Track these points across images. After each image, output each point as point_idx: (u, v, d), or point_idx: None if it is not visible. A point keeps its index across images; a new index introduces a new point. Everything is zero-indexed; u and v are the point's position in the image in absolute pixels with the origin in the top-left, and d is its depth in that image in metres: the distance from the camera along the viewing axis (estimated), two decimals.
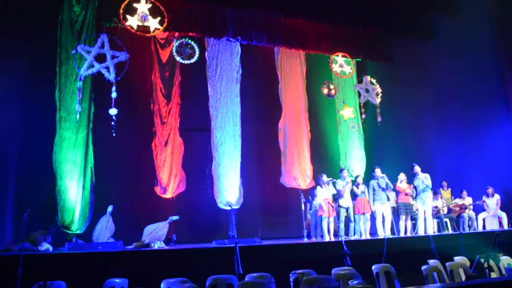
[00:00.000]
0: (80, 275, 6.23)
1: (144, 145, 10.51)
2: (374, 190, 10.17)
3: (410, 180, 10.39)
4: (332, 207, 9.68)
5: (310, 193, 10.92)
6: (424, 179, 10.03)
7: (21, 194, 9.37)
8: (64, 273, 5.85)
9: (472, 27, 11.61)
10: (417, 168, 10.17)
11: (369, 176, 10.94)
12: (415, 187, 10.20)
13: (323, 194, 9.88)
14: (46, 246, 7.78)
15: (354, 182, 10.44)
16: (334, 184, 10.09)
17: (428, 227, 9.98)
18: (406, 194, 10.20)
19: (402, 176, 10.31)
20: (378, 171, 10.24)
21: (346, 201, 10.12)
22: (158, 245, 8.71)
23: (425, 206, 10.06)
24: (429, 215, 10.06)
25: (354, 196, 10.32)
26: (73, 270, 6.40)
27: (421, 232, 10.05)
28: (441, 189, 11.45)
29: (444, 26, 12.16)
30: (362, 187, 10.20)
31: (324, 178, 9.97)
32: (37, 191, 9.21)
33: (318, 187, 10.03)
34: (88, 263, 6.74)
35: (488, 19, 11.94)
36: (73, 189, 9.16)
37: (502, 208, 11.00)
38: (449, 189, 11.77)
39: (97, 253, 7.30)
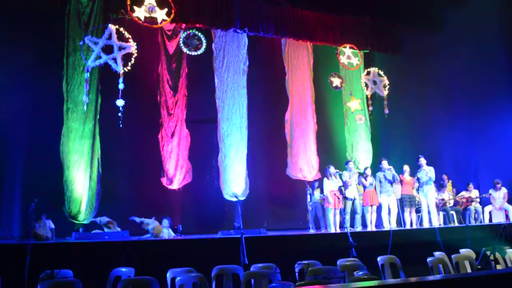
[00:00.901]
0: (87, 264, 6.29)
1: (151, 136, 10.56)
2: (380, 182, 10.16)
3: (414, 172, 10.35)
4: (339, 199, 9.68)
5: (311, 185, 10.91)
6: (428, 171, 9.99)
7: (28, 184, 9.48)
8: (71, 262, 5.92)
9: (480, 18, 11.46)
10: (423, 160, 10.12)
11: (375, 168, 10.92)
12: (418, 179, 10.16)
13: (330, 186, 9.88)
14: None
15: (362, 174, 10.43)
16: (340, 176, 10.08)
17: (432, 219, 9.96)
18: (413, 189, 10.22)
19: (406, 168, 10.28)
20: (385, 163, 10.22)
21: (352, 192, 10.10)
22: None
23: (428, 199, 10.04)
24: (433, 207, 10.04)
25: (362, 188, 10.32)
26: (80, 259, 6.46)
27: (425, 224, 10.03)
28: (441, 182, 11.37)
29: (453, 17, 12.01)
30: (370, 179, 10.19)
31: (332, 169, 9.96)
32: (44, 182, 9.30)
33: (325, 178, 10.03)
34: (94, 252, 6.81)
35: (496, 10, 11.77)
36: (80, 180, 9.23)
37: (509, 201, 10.93)
38: (450, 181, 11.70)
39: (103, 243, 7.37)
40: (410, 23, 12.46)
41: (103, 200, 9.50)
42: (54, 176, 9.24)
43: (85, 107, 9.23)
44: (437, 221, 10.10)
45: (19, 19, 9.62)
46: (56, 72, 9.45)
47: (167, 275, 5.62)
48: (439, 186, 11.13)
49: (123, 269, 5.79)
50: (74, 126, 9.37)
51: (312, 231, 10.25)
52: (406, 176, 10.26)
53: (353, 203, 10.16)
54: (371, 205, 10.05)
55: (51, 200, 9.06)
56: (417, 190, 10.30)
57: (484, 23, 11.70)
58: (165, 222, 9.21)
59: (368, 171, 10.36)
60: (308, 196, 10.63)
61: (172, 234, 9.15)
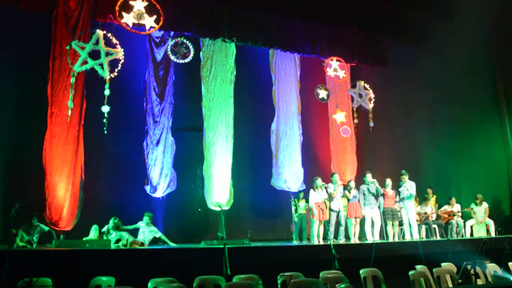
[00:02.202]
0: (67, 272, 6.19)
1: (136, 143, 10.47)
2: (364, 194, 10.23)
3: (396, 185, 10.45)
4: (323, 211, 9.71)
5: (296, 196, 10.90)
6: (409, 187, 10.09)
7: (9, 189, 9.31)
8: (50, 269, 5.81)
9: (466, 33, 11.68)
10: (405, 177, 10.26)
11: (359, 180, 10.98)
12: (398, 193, 10.26)
13: (315, 198, 9.90)
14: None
15: (346, 187, 10.47)
16: (326, 189, 10.12)
17: (413, 233, 10.04)
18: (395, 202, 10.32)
19: (388, 182, 10.38)
20: (369, 176, 10.30)
21: (337, 204, 10.14)
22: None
23: (408, 213, 10.15)
24: (413, 221, 10.15)
25: (346, 200, 10.37)
26: (60, 267, 6.35)
27: (407, 237, 10.11)
28: (426, 195, 11.50)
29: (438, 31, 12.24)
30: (354, 192, 10.26)
31: (319, 182, 10.00)
32: (26, 187, 9.15)
33: (311, 190, 10.05)
34: (75, 261, 6.70)
35: (482, 26, 12.02)
36: (62, 186, 9.08)
37: (490, 216, 11.09)
38: (435, 196, 11.83)
39: (84, 251, 7.26)
40: (396, 36, 12.65)
41: (85, 207, 9.36)
42: (35, 181, 9.08)
43: (69, 112, 9.11)
44: (417, 234, 10.18)
45: (6, 21, 9.51)
46: (41, 76, 9.32)
47: (148, 285, 5.56)
48: (422, 199, 11.25)
49: (104, 278, 5.71)
50: (58, 131, 9.22)
51: (295, 242, 10.24)
52: (389, 190, 10.35)
53: (337, 215, 10.19)
54: (355, 218, 10.10)
55: (32, 206, 8.89)
56: (398, 203, 10.37)
57: (469, 37, 11.92)
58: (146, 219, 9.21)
59: (352, 184, 10.42)
60: (293, 207, 10.62)
61: (159, 233, 9.12)
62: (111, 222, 8.97)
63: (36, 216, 8.60)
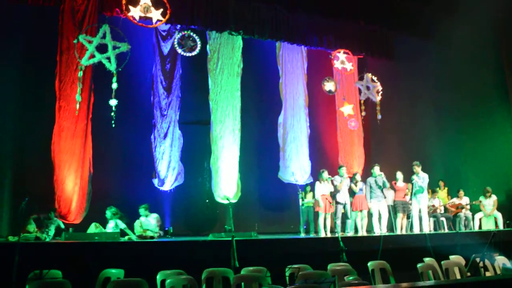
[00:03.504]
0: (77, 264, 6.24)
1: (143, 137, 10.50)
2: (371, 187, 10.19)
3: (406, 178, 10.39)
4: (330, 203, 9.70)
5: (303, 189, 10.89)
6: (422, 179, 10.03)
7: (19, 183, 9.38)
8: (60, 262, 5.86)
9: (472, 25, 11.55)
10: (418, 168, 10.15)
11: (367, 173, 10.95)
12: (413, 185, 10.19)
13: (322, 190, 9.90)
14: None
15: (352, 180, 10.45)
16: (333, 181, 10.11)
17: (424, 225, 10.00)
18: (405, 195, 10.27)
19: (399, 175, 10.33)
20: (376, 169, 10.26)
21: (343, 197, 10.12)
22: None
23: (421, 205, 10.09)
24: (425, 214, 10.10)
25: (352, 193, 10.34)
26: (70, 259, 6.41)
27: (416, 230, 10.08)
28: (438, 188, 11.45)
29: (445, 24, 12.12)
30: (360, 184, 10.24)
31: (325, 174, 9.99)
32: (34, 181, 9.22)
33: (317, 182, 10.04)
34: (84, 253, 6.75)
35: (489, 18, 11.89)
36: (71, 180, 9.14)
37: (498, 209, 11.03)
38: (446, 188, 11.78)
39: (93, 243, 7.31)
40: (403, 29, 12.55)
41: (94, 201, 9.41)
42: (44, 175, 9.14)
43: (77, 105, 9.15)
44: (428, 227, 10.15)
45: (13, 15, 9.55)
46: (49, 70, 9.36)
47: (157, 277, 5.59)
48: (432, 192, 11.20)
49: (113, 271, 5.75)
50: (66, 125, 9.27)
51: (303, 235, 10.25)
52: (399, 183, 10.30)
53: (344, 208, 10.18)
54: (361, 210, 10.08)
55: (41, 200, 8.95)
56: (411, 195, 10.30)
57: (476, 30, 11.80)
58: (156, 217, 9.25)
59: (358, 177, 10.39)
60: (300, 200, 10.62)
61: (159, 232, 9.15)
62: (108, 212, 8.97)
63: (54, 211, 8.69)
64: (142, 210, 9.28)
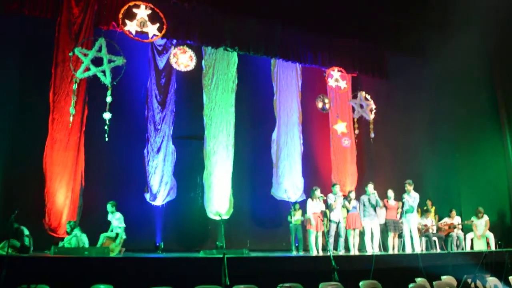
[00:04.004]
0: (65, 279, 6.14)
1: (136, 151, 10.47)
2: (364, 205, 10.17)
3: (398, 197, 10.39)
4: (322, 221, 9.65)
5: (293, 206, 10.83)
6: (413, 199, 10.02)
7: (9, 194, 9.27)
8: (48, 277, 5.76)
9: (465, 43, 11.70)
10: (410, 187, 10.14)
11: (359, 191, 10.94)
12: (403, 204, 10.17)
13: (313, 208, 9.85)
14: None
15: (346, 198, 10.42)
16: (327, 200, 10.05)
17: (415, 245, 9.97)
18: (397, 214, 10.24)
19: (390, 193, 10.32)
20: (370, 187, 10.23)
21: (337, 215, 10.08)
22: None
23: (411, 225, 10.06)
24: (415, 233, 10.05)
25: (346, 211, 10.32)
26: (58, 274, 6.30)
27: (408, 249, 10.04)
28: (425, 207, 11.44)
29: (438, 42, 12.28)
30: (354, 202, 10.20)
31: (317, 192, 9.93)
32: (25, 192, 9.12)
33: (309, 200, 10.01)
34: (73, 268, 6.64)
35: (481, 35, 12.05)
36: (62, 193, 9.07)
37: (490, 229, 11.04)
38: (434, 207, 11.77)
39: (82, 258, 7.21)
40: (397, 49, 12.70)
41: (85, 214, 9.32)
42: (35, 187, 9.06)
43: (71, 118, 9.12)
44: (419, 246, 10.12)
45: (9, 27, 9.55)
46: (43, 82, 9.35)
47: None
48: (423, 211, 11.20)
49: (102, 286, 5.66)
50: (59, 137, 9.24)
51: (294, 253, 10.19)
52: (391, 202, 10.29)
53: (337, 226, 10.13)
54: (354, 229, 10.04)
55: (31, 212, 8.86)
56: (401, 215, 10.29)
57: (469, 52, 11.94)
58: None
59: (352, 195, 10.37)
60: (289, 217, 10.57)
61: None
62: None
63: (15, 217, 7.60)
64: (109, 206, 8.99)
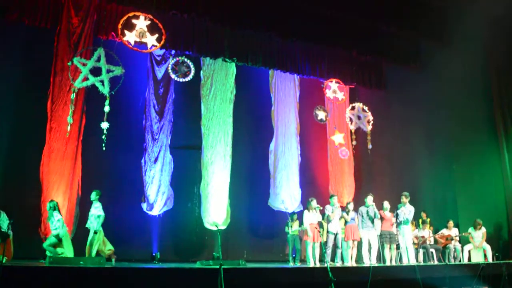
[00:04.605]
0: None
1: (134, 160, 10.46)
2: (362, 217, 10.14)
3: (393, 208, 10.36)
4: (319, 232, 9.61)
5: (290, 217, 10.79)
6: (408, 212, 9.97)
7: (5, 203, 9.21)
8: (43, 286, 5.72)
9: (464, 55, 11.76)
10: (406, 199, 10.10)
11: (356, 202, 10.92)
12: (396, 216, 10.09)
13: (310, 219, 9.80)
14: None
15: (345, 209, 10.38)
16: (324, 211, 10.02)
17: (410, 257, 9.91)
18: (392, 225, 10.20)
19: (386, 204, 10.29)
20: (370, 199, 10.18)
21: (335, 226, 10.03)
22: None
23: (405, 237, 10.02)
24: (410, 245, 9.99)
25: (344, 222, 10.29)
26: (53, 284, 6.26)
27: (405, 261, 10.00)
28: (420, 219, 11.41)
29: (436, 54, 12.35)
30: (352, 214, 10.15)
31: (314, 203, 9.87)
32: (22, 201, 9.09)
33: (306, 211, 9.97)
34: (68, 278, 6.60)
35: (479, 47, 12.12)
36: (59, 201, 8.98)
37: (487, 241, 11.01)
38: (429, 219, 11.74)
39: (78, 268, 7.16)
40: (395, 61, 12.75)
41: (81, 223, 9.27)
42: (32, 196, 9.04)
43: (68, 127, 9.13)
44: (414, 258, 10.07)
45: (8, 36, 9.59)
46: (41, 91, 9.37)
47: None
48: (419, 223, 11.17)
49: None
50: (56, 146, 9.23)
51: (291, 264, 10.14)
52: (387, 213, 10.26)
53: (335, 238, 10.08)
54: (353, 240, 10.00)
55: (27, 220, 8.82)
56: (396, 227, 10.24)
57: (467, 63, 12.00)
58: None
59: (350, 206, 10.33)
60: (286, 228, 10.54)
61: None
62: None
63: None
64: (94, 194, 8.60)
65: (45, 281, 6.34)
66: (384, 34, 12.37)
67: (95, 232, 8.35)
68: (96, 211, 8.53)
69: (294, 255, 10.39)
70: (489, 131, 12.44)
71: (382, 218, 10.20)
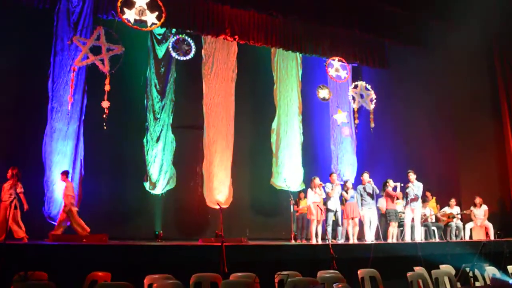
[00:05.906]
0: (63, 267, 6.16)
1: (136, 140, 10.47)
2: (361, 195, 10.15)
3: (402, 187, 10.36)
4: (321, 210, 9.64)
5: (296, 195, 10.85)
6: (416, 188, 9.99)
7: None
8: (47, 264, 5.78)
9: (466, 33, 11.60)
10: (412, 176, 10.10)
11: (359, 181, 10.93)
12: (406, 194, 10.13)
13: (313, 198, 9.83)
14: None
15: (343, 187, 10.39)
16: (324, 188, 10.06)
17: (416, 234, 9.96)
18: (397, 198, 10.20)
19: (390, 182, 10.29)
20: (365, 176, 10.20)
21: (334, 204, 10.05)
22: None
23: (414, 214, 10.04)
24: (418, 223, 10.05)
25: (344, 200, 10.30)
26: (56, 261, 6.32)
27: (407, 239, 10.05)
28: (426, 198, 11.42)
29: (439, 32, 12.19)
30: (351, 192, 10.15)
31: (316, 181, 9.88)
32: (24, 181, 9.12)
33: (309, 189, 9.99)
34: (71, 255, 6.67)
35: (483, 26, 11.95)
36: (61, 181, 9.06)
37: (489, 219, 11.03)
38: (434, 197, 11.74)
39: (80, 246, 7.23)
40: (398, 39, 12.58)
41: (84, 202, 9.34)
42: (35, 176, 9.07)
43: (70, 107, 9.11)
44: (420, 236, 10.12)
45: (7, 16, 9.50)
46: (42, 71, 9.33)
47: (145, 281, 5.52)
48: (422, 201, 11.18)
49: (100, 274, 5.67)
50: (58, 126, 9.25)
51: (293, 241, 10.20)
52: (391, 190, 10.25)
53: (335, 215, 10.11)
54: (352, 218, 10.01)
55: (31, 200, 8.86)
56: (406, 204, 10.25)
57: (470, 40, 11.84)
58: None
59: (349, 184, 10.32)
60: (293, 207, 10.58)
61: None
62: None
63: None
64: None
65: (48, 259, 6.42)
66: (387, 13, 12.18)
67: None
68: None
69: (297, 233, 10.45)
70: (493, 109, 12.35)
71: (390, 196, 10.16)
